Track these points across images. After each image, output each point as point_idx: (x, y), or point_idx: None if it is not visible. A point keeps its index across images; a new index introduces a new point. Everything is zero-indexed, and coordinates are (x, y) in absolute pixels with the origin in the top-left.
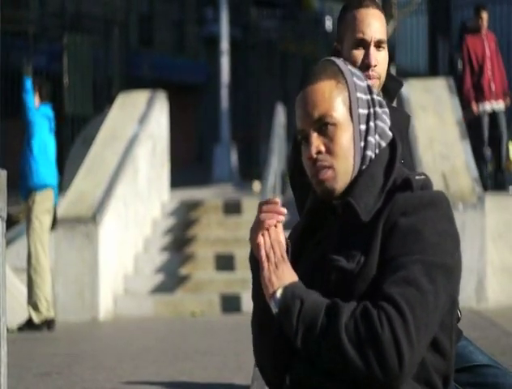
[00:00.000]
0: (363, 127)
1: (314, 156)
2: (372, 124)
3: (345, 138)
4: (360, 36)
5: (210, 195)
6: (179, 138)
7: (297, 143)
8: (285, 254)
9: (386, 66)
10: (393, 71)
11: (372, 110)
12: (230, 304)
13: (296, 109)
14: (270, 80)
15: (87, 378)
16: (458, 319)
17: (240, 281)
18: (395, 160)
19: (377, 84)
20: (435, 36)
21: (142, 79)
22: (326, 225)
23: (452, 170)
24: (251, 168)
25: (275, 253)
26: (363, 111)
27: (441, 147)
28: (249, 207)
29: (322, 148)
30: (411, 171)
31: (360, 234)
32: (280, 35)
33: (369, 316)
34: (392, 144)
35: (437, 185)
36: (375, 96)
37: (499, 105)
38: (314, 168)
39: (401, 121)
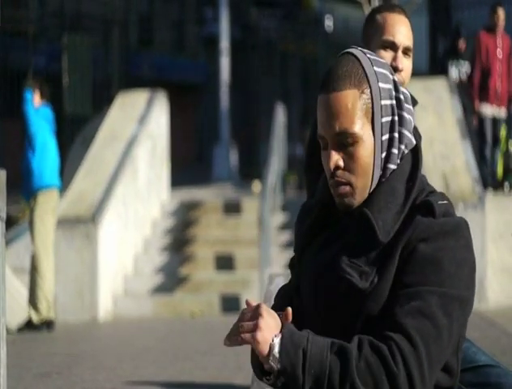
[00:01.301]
0: (386, 137)
1: (332, 170)
2: (396, 134)
3: (366, 154)
4: (391, 38)
5: (209, 195)
6: (179, 138)
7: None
8: (269, 314)
9: (410, 74)
10: None
11: (396, 117)
12: (230, 304)
13: (317, 109)
14: (269, 80)
15: (86, 378)
16: None
17: (239, 281)
18: (418, 171)
19: None
20: (435, 35)
21: (141, 78)
22: (338, 224)
23: (452, 170)
24: (251, 168)
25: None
26: (387, 119)
27: (442, 147)
28: (249, 207)
29: (341, 164)
30: None
31: (375, 251)
32: (280, 35)
33: (381, 353)
34: (415, 150)
35: (438, 185)
36: (401, 95)
37: (500, 112)
38: (332, 180)
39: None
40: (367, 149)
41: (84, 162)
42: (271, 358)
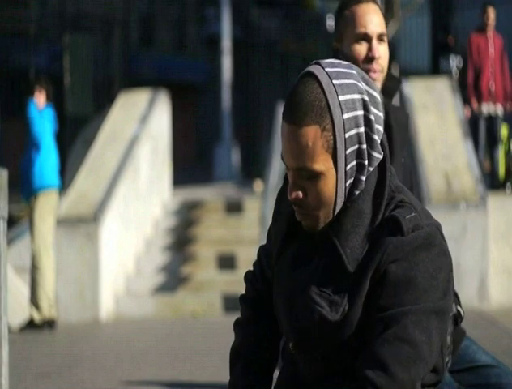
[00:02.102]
0: (351, 165)
1: (292, 200)
2: (365, 162)
3: (327, 188)
4: (363, 30)
5: (211, 195)
6: (180, 137)
7: None
8: None
9: (388, 58)
10: (395, 70)
11: (364, 145)
12: (232, 304)
13: (281, 135)
14: (271, 79)
15: (87, 378)
16: (462, 319)
17: (241, 281)
18: (385, 183)
19: (380, 77)
20: (437, 35)
21: (142, 78)
22: (309, 238)
23: (454, 170)
24: (252, 168)
25: None
26: (352, 149)
27: (443, 147)
28: (251, 206)
29: (300, 197)
30: (410, 174)
31: (345, 278)
32: (281, 34)
33: None
34: (381, 160)
35: (440, 185)
36: (371, 115)
37: (496, 110)
38: (295, 207)
39: (401, 120)
40: (328, 183)
41: (85, 162)
42: None
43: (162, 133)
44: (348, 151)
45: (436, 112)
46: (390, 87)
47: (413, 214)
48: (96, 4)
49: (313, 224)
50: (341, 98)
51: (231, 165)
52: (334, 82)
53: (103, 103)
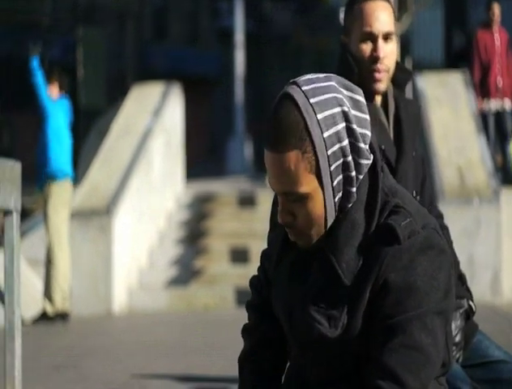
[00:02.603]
0: (338, 179)
1: (283, 223)
2: (353, 173)
3: (315, 208)
4: (368, 29)
5: (224, 188)
6: (193, 130)
7: None
8: None
9: (395, 57)
10: (409, 64)
11: (349, 157)
12: (244, 297)
13: (265, 162)
14: (283, 73)
15: (100, 371)
16: (473, 313)
17: (254, 274)
18: (377, 189)
19: (385, 77)
20: (451, 29)
21: (156, 71)
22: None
23: (467, 164)
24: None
25: None
26: (337, 164)
27: (457, 141)
28: (264, 199)
29: (290, 220)
30: (422, 166)
31: (342, 292)
32: (294, 28)
33: None
34: (372, 164)
35: (453, 178)
36: (353, 124)
37: (504, 105)
38: (287, 229)
39: (412, 113)
40: (316, 203)
41: (99, 154)
42: None
43: (175, 126)
44: (333, 167)
45: (449, 106)
46: (402, 78)
47: (408, 220)
48: None
49: (306, 243)
50: (319, 116)
51: (244, 159)
52: (312, 100)
53: (116, 95)
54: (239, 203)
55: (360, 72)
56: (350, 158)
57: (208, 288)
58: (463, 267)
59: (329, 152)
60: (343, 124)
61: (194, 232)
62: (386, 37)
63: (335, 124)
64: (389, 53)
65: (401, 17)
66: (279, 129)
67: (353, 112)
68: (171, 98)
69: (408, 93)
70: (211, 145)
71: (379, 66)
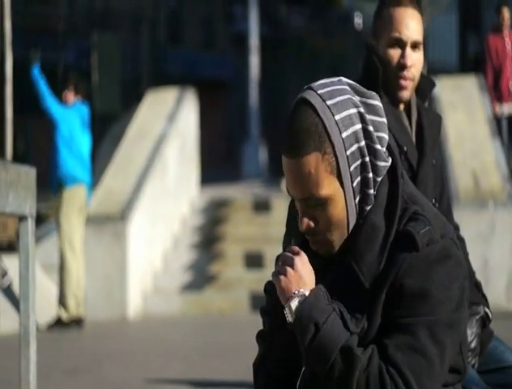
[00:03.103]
0: (358, 180)
1: (304, 230)
2: (370, 175)
3: (337, 211)
4: (397, 35)
5: (239, 193)
6: (208, 135)
7: None
8: (309, 267)
9: (421, 67)
10: (424, 69)
11: (367, 158)
12: (259, 302)
13: (283, 170)
14: (298, 77)
15: (115, 375)
16: (490, 320)
17: (269, 279)
18: (397, 193)
19: (411, 86)
20: (465, 33)
21: (170, 76)
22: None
23: (482, 168)
24: (280, 166)
25: (296, 262)
26: (356, 164)
27: (472, 145)
28: (279, 204)
29: (312, 225)
30: (441, 176)
31: (362, 296)
32: (309, 32)
33: (383, 386)
34: (391, 167)
35: (468, 182)
36: (369, 126)
37: None
38: (308, 237)
39: (433, 123)
40: (337, 206)
41: (113, 160)
42: (287, 309)
43: (190, 131)
44: (352, 168)
45: (464, 110)
46: (424, 88)
47: (427, 228)
48: (125, 1)
49: (329, 250)
50: (337, 117)
51: (258, 163)
52: (328, 102)
53: (131, 100)
54: (254, 208)
55: (385, 76)
56: (368, 159)
57: (223, 292)
58: (478, 271)
59: (348, 153)
60: (360, 125)
61: (209, 236)
62: (414, 46)
63: (353, 124)
64: (416, 61)
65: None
66: (297, 134)
67: (368, 116)
68: (185, 103)
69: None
70: (226, 150)
71: (406, 73)
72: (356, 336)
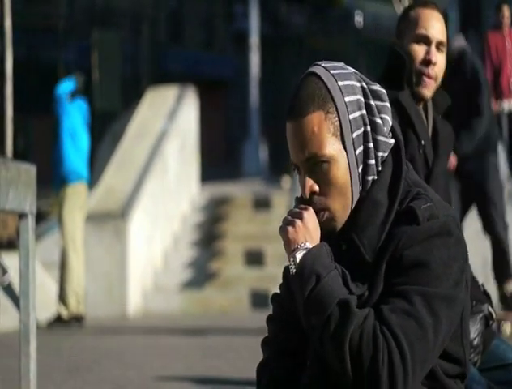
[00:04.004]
0: (360, 150)
1: (308, 196)
2: (370, 145)
3: (340, 173)
4: (423, 32)
5: (239, 191)
6: (208, 133)
7: None
8: (317, 222)
9: (444, 69)
10: None
11: (369, 127)
12: (259, 300)
13: (287, 138)
14: (299, 76)
15: (115, 373)
16: (493, 321)
17: (269, 277)
18: (400, 173)
19: (433, 85)
20: (466, 30)
21: (171, 74)
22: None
23: None
24: (280, 164)
25: (305, 215)
26: (358, 132)
27: None
28: (279, 202)
29: (316, 189)
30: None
31: (364, 269)
32: (310, 31)
33: (376, 345)
34: (396, 149)
35: None
36: (371, 101)
37: None
38: (312, 206)
39: (447, 134)
40: (341, 168)
41: (114, 158)
42: (291, 259)
43: (190, 129)
44: (355, 135)
45: None
46: (440, 102)
47: (429, 204)
48: (125, 0)
49: (332, 225)
50: (340, 83)
51: (259, 161)
52: (332, 71)
53: (131, 99)
54: (254, 206)
55: (409, 69)
56: (369, 128)
57: (223, 290)
58: (478, 269)
59: (350, 117)
60: (363, 99)
61: (209, 234)
62: (439, 46)
63: (355, 94)
64: (440, 62)
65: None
66: (300, 98)
67: (371, 94)
68: (186, 101)
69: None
70: (226, 148)
71: (430, 70)
72: (355, 297)
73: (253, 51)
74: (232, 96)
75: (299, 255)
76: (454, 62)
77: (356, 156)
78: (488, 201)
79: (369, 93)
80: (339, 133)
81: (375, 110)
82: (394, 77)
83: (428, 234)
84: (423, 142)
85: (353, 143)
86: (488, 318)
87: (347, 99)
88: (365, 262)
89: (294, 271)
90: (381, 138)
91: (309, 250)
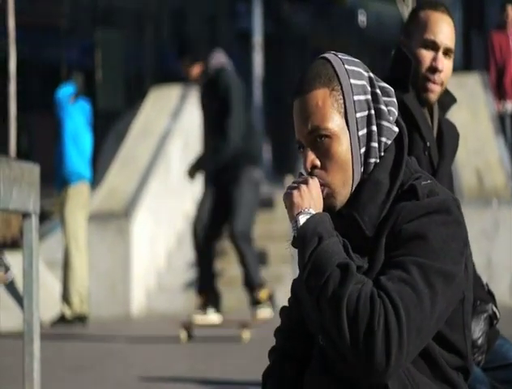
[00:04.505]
0: (363, 132)
1: (309, 170)
2: (374, 128)
3: (341, 149)
4: (432, 37)
5: None
6: None
7: None
8: (319, 187)
9: (450, 75)
10: None
11: (373, 111)
12: None
13: (293, 116)
14: None
15: (118, 373)
16: (497, 320)
17: (273, 277)
18: (402, 158)
19: (438, 91)
20: (469, 31)
21: (174, 74)
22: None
23: (486, 166)
24: (284, 163)
25: (310, 182)
26: (362, 114)
27: (475, 143)
28: (282, 202)
29: (317, 163)
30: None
31: (364, 245)
32: (313, 30)
33: (373, 306)
34: (399, 138)
35: (471, 180)
36: (377, 89)
37: None
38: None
39: (453, 135)
40: (342, 145)
41: (117, 157)
42: (293, 222)
43: (193, 128)
44: (358, 116)
45: (468, 107)
46: (445, 102)
47: (429, 181)
48: None
49: (330, 200)
50: (347, 67)
51: (262, 161)
52: (340, 56)
53: (134, 98)
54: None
55: (415, 73)
56: (373, 112)
57: (226, 290)
58: (481, 269)
59: (355, 98)
60: (369, 88)
61: None
62: (446, 52)
63: (361, 79)
64: (446, 68)
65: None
66: (307, 76)
67: (377, 90)
68: (189, 100)
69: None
70: None
71: (436, 77)
72: (354, 265)
73: (257, 50)
74: None
75: (302, 219)
76: (210, 80)
77: (358, 136)
78: (233, 211)
79: (375, 83)
80: (342, 111)
81: (380, 98)
82: (399, 78)
83: (426, 210)
84: (428, 143)
85: (356, 124)
86: (492, 318)
87: (352, 81)
88: (366, 238)
89: (296, 233)
90: (385, 123)
91: (313, 215)
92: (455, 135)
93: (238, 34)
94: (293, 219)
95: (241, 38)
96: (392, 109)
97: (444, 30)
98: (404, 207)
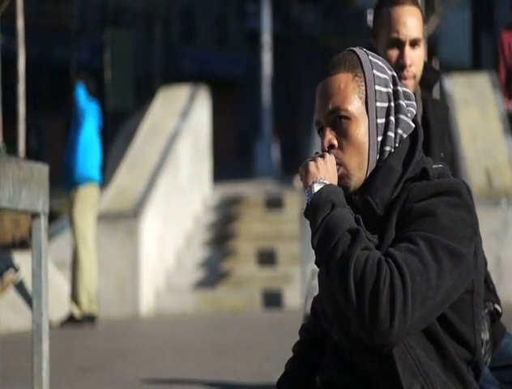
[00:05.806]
0: (381, 121)
1: (326, 149)
2: (392, 118)
3: (359, 132)
4: (395, 35)
5: (251, 190)
6: (221, 132)
7: None
8: (335, 163)
9: (422, 63)
10: (436, 66)
11: (393, 103)
12: (271, 299)
13: (316, 98)
14: (311, 75)
15: (128, 372)
16: (499, 316)
17: (281, 277)
18: (415, 150)
19: (411, 84)
20: (478, 30)
21: (183, 73)
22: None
23: (495, 166)
24: (293, 163)
25: (327, 156)
26: (382, 104)
27: (485, 143)
28: (291, 201)
29: (335, 142)
30: (450, 162)
31: (377, 225)
32: (322, 29)
33: (380, 268)
34: (414, 134)
35: (480, 180)
36: (400, 88)
37: None
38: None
39: (440, 114)
40: (360, 128)
41: (126, 157)
42: (307, 190)
43: (202, 128)
44: (379, 105)
45: (477, 107)
46: (429, 79)
47: (440, 165)
48: None
49: (344, 180)
50: (372, 59)
51: (271, 161)
52: (366, 51)
53: (143, 98)
54: (266, 205)
55: None
56: (393, 104)
57: (235, 290)
58: (490, 268)
59: (376, 88)
60: (391, 84)
61: (222, 234)
62: (414, 43)
63: (385, 73)
64: (416, 59)
65: (428, 18)
66: (333, 62)
67: (399, 88)
68: (198, 100)
69: (436, 94)
70: (239, 147)
71: (405, 73)
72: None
73: (266, 50)
74: (245, 95)
75: (317, 187)
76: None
77: (377, 123)
78: None
79: (398, 82)
80: (363, 97)
81: (401, 95)
82: None
83: (437, 190)
84: None
85: (376, 112)
86: (493, 314)
87: (375, 72)
88: (377, 218)
89: (310, 200)
90: (403, 117)
91: (327, 185)
92: (444, 115)
93: (247, 34)
94: (308, 186)
95: (250, 38)
96: (411, 109)
97: (407, 23)
98: (415, 187)
